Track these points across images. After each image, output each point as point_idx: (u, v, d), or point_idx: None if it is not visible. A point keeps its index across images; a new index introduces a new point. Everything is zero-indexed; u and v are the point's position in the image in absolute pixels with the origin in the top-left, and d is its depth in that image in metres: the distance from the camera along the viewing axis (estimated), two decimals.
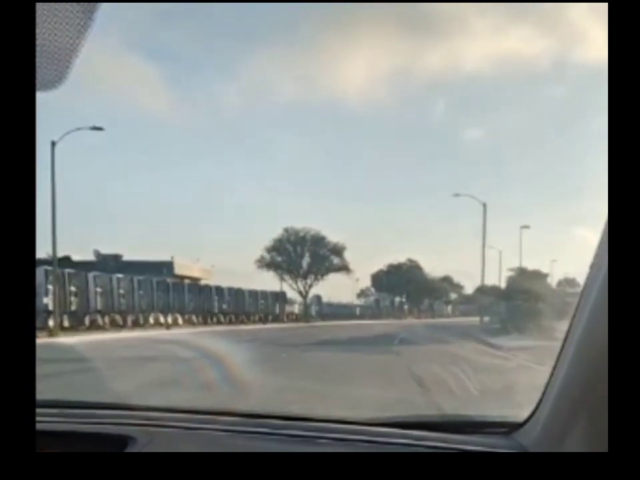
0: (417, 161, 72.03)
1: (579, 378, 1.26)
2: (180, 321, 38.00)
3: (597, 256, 1.23)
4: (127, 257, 44.34)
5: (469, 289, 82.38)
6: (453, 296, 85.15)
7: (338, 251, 60.77)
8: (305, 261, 60.57)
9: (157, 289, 37.01)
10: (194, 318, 40.40)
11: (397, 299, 77.80)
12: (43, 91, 1.16)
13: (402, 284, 71.31)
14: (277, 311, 51.23)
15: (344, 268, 60.81)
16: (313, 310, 59.86)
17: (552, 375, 1.39)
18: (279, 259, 59.78)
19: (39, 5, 1.07)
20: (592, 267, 1.25)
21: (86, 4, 1.10)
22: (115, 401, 2.24)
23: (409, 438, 1.58)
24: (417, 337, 28.41)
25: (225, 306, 44.92)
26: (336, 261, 61.29)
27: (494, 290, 42.77)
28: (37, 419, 1.15)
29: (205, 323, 40.69)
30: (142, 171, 65.54)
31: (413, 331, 34.77)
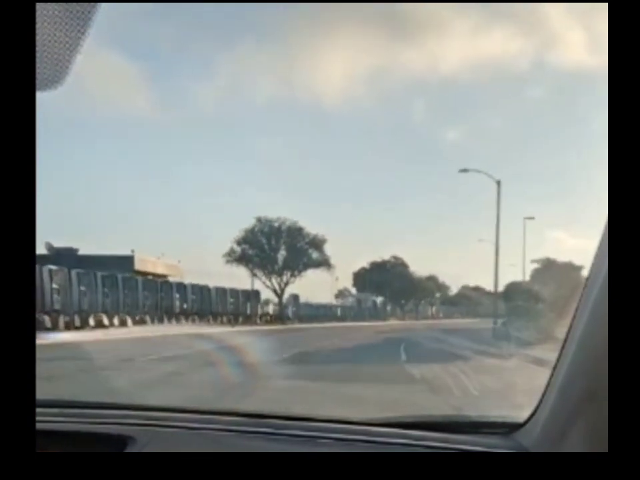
0: (397, 159, 71.70)
1: (579, 378, 1.27)
2: (129, 322, 31.99)
3: (597, 256, 1.23)
4: (83, 251, 39.23)
5: (453, 290, 79.06)
6: (438, 296, 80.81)
7: (317, 243, 54.02)
8: (281, 255, 53.46)
9: (103, 285, 31.06)
10: (148, 318, 34.49)
11: (380, 299, 72.61)
12: (42, 91, 1.17)
13: (386, 283, 65.99)
14: (249, 311, 45.36)
15: (324, 263, 54.10)
16: (290, 311, 53.77)
17: (552, 375, 1.39)
18: (251, 252, 52.61)
19: (38, 5, 1.07)
20: (592, 267, 1.25)
21: (85, 4, 1.11)
22: (115, 400, 2.15)
23: (409, 438, 1.59)
24: (428, 345, 23.15)
25: (186, 305, 39.14)
26: (315, 255, 54.55)
27: (517, 288, 37.36)
28: (37, 418, 1.15)
29: (160, 324, 34.81)
30: (115, 165, 63.80)
31: (419, 336, 29.54)
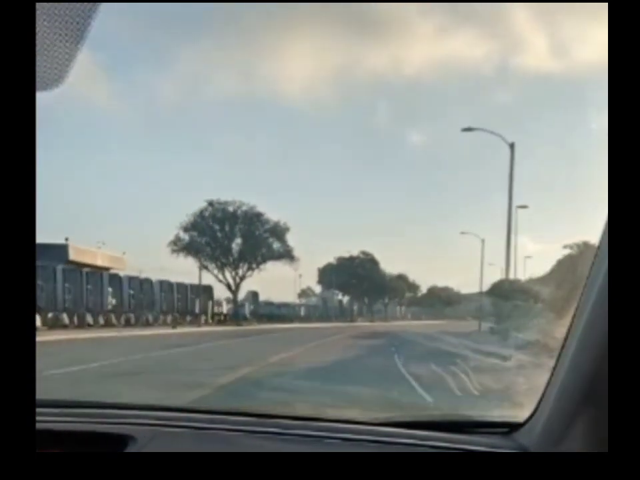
0: (361, 157, 69.66)
1: (579, 378, 1.27)
2: (38, 321, 25.13)
3: (597, 256, 1.23)
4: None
5: (423, 290, 75.46)
6: (408, 297, 76.11)
7: (279, 232, 46.33)
8: (236, 245, 45.46)
9: None
10: (65, 318, 27.80)
11: (346, 298, 66.88)
12: (42, 91, 1.18)
13: (354, 280, 60.32)
14: (197, 309, 38.82)
15: (286, 255, 46.43)
16: (247, 309, 47.32)
17: (552, 375, 1.39)
18: (201, 240, 44.54)
19: (38, 5, 1.08)
20: (592, 267, 1.25)
21: (85, 4, 1.11)
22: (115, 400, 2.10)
23: (413, 438, 1.60)
24: (420, 350, 18.91)
25: (115, 301, 32.56)
26: (276, 245, 46.66)
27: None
28: (37, 418, 1.15)
29: (80, 325, 28.13)
30: (71, 157, 61.12)
31: (408, 341, 24.83)
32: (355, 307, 66.69)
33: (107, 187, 62.90)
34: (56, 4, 1.09)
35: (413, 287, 74.79)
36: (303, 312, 56.58)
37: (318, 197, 71.57)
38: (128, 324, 31.97)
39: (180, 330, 31.21)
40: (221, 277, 45.52)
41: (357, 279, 60.09)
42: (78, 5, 1.10)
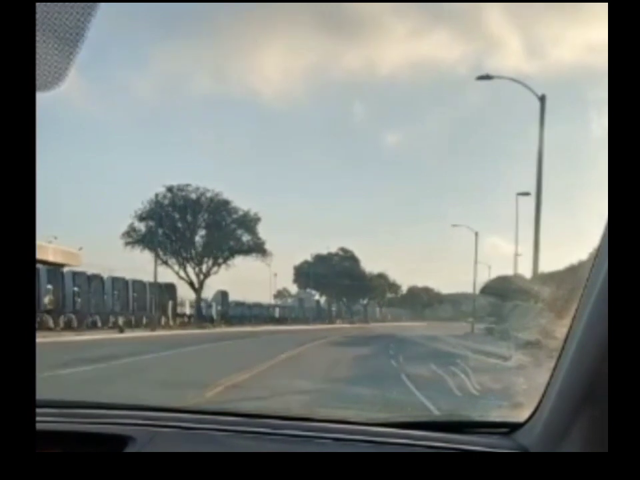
0: (335, 155, 69.48)
1: (579, 378, 1.27)
2: None
3: (597, 256, 1.23)
4: None
5: (404, 290, 72.60)
6: (389, 297, 72.53)
7: (249, 223, 40.41)
8: (200, 237, 39.55)
9: None
10: None
11: (324, 298, 62.59)
12: (42, 91, 1.17)
13: (332, 279, 56.02)
14: (154, 310, 33.84)
15: (257, 249, 40.77)
16: (214, 311, 42.36)
17: (552, 375, 1.38)
18: (159, 230, 37.08)
19: (38, 5, 1.08)
20: (592, 266, 1.24)
21: (85, 4, 1.11)
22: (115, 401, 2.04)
23: (409, 438, 1.57)
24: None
25: (47, 301, 27.65)
26: (246, 237, 40.83)
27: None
28: (37, 418, 1.15)
29: None
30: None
31: (409, 349, 19.77)
32: (334, 308, 62.70)
33: (77, 184, 61.58)
34: (56, 4, 1.09)
35: (394, 287, 71.09)
36: (277, 313, 52.06)
37: (293, 194, 70.16)
38: (68, 327, 27.20)
39: (128, 335, 26.48)
40: (182, 273, 39.92)
41: (335, 277, 55.89)
42: (78, 4, 1.10)
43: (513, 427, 1.56)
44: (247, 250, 41.23)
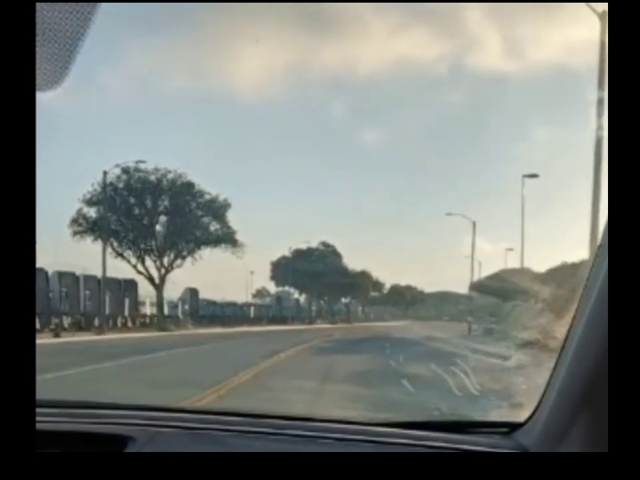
0: (315, 156, 64.05)
1: (579, 378, 1.27)
2: None
3: (597, 256, 1.24)
4: None
5: (387, 288, 68.87)
6: (372, 295, 68.95)
7: (217, 210, 34.69)
8: (161, 225, 33.65)
9: None
10: None
11: (303, 297, 58.53)
12: (42, 91, 1.18)
13: (312, 276, 51.91)
14: (108, 310, 29.47)
15: (227, 239, 34.88)
16: (180, 310, 37.80)
17: (552, 375, 1.39)
18: (111, 217, 31.92)
19: (38, 5, 1.08)
20: (592, 267, 1.25)
21: (85, 4, 1.12)
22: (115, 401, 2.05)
23: (409, 438, 1.59)
24: None
25: None
26: (214, 226, 34.96)
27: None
28: (37, 418, 1.15)
29: None
30: None
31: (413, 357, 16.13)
32: (314, 307, 58.66)
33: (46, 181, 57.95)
34: (56, 4, 1.10)
35: (377, 285, 67.15)
36: (252, 313, 47.80)
37: (272, 190, 66.81)
38: None
39: (63, 339, 22.14)
40: (140, 267, 33.80)
41: (316, 274, 51.62)
42: (78, 4, 1.11)
43: (513, 427, 1.58)
44: (215, 240, 35.44)
